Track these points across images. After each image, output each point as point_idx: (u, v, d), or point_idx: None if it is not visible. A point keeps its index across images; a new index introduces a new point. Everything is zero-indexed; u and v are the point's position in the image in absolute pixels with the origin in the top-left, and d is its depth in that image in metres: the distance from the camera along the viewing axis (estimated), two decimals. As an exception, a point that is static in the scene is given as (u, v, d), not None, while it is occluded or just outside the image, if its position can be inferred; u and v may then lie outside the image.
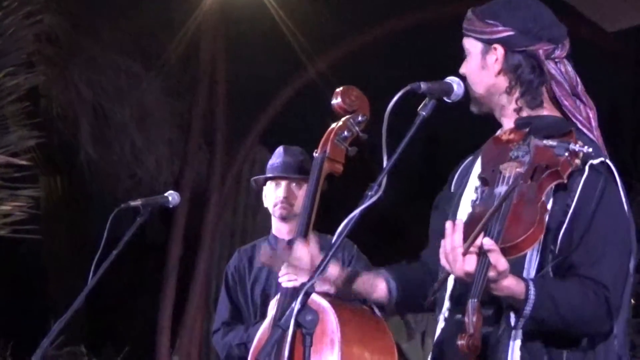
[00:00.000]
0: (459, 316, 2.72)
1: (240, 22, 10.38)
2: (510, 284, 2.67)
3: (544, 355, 2.79)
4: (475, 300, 2.57)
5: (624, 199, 2.84)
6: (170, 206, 4.39)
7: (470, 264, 2.64)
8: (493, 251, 2.62)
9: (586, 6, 7.51)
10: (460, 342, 2.55)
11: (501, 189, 2.73)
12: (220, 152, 11.16)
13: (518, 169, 2.75)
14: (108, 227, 4.15)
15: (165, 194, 4.37)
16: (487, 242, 2.62)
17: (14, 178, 8.06)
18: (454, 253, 2.67)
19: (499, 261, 2.63)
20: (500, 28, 3.00)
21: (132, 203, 4.28)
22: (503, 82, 3.01)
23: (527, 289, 2.69)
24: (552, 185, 2.77)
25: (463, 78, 3.05)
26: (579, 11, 7.55)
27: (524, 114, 3.00)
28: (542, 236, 2.71)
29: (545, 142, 2.80)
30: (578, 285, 2.76)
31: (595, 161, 2.81)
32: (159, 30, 10.35)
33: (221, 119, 11.11)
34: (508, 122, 3.02)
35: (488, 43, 3.01)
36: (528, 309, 2.69)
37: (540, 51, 2.97)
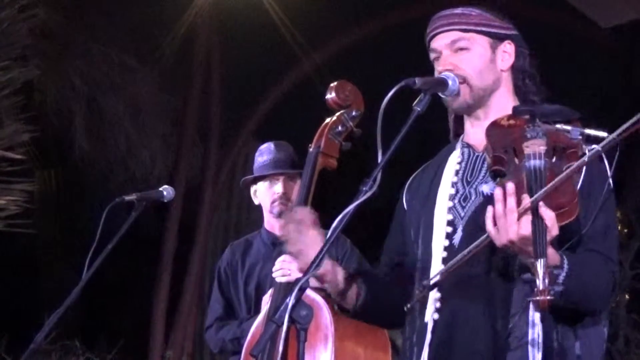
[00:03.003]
0: (527, 275, 2.71)
1: (235, 17, 10.37)
2: (551, 252, 2.69)
3: (555, 329, 2.83)
4: (545, 259, 2.58)
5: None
6: (165, 200, 4.39)
7: (526, 227, 2.64)
8: (549, 216, 2.64)
9: (580, 1, 7.50)
10: (537, 299, 2.56)
11: (534, 162, 2.74)
12: (215, 147, 11.17)
13: (541, 147, 2.77)
14: (102, 221, 4.14)
15: (160, 189, 4.37)
16: (544, 207, 2.64)
17: (8, 172, 8.04)
18: (509, 217, 2.67)
19: (555, 226, 2.65)
20: (510, 25, 3.09)
21: (127, 197, 4.27)
22: (507, 78, 3.08)
23: (562, 259, 2.73)
24: (568, 165, 2.80)
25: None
26: (573, 6, 7.54)
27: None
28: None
29: (558, 126, 2.84)
30: (595, 258, 2.83)
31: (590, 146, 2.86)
32: (153, 24, 10.34)
33: (215, 113, 11.12)
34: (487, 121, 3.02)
35: (498, 38, 3.06)
36: (562, 276, 2.72)
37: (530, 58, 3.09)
